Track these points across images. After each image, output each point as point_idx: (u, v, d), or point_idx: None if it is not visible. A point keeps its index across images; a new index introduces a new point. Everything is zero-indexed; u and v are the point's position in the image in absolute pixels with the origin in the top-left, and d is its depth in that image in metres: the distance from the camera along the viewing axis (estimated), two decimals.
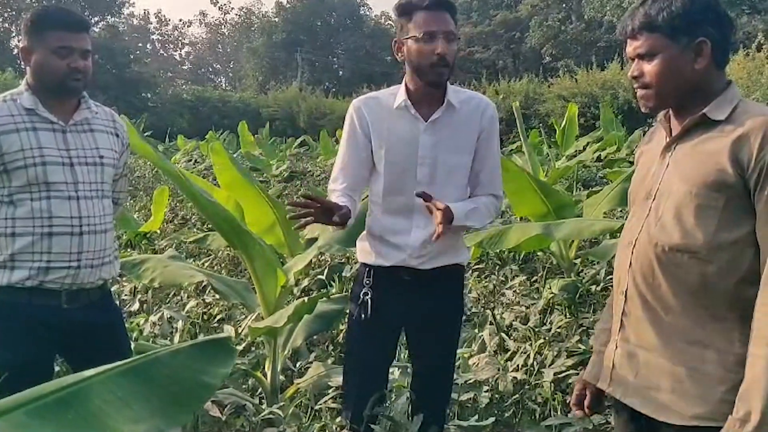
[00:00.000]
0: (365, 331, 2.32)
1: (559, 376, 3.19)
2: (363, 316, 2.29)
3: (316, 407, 2.93)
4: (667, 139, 1.64)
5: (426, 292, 2.30)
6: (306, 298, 2.76)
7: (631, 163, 8.37)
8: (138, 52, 48.32)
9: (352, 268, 4.89)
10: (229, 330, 3.75)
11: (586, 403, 1.83)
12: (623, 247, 1.68)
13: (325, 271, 5.07)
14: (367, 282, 2.31)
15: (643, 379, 1.61)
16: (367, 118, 2.26)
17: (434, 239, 2.10)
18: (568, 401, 3.05)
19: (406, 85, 2.26)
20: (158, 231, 7.18)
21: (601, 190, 5.97)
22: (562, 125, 12.20)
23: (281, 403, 2.94)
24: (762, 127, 1.45)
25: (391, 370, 2.54)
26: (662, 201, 1.58)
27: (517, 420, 3.06)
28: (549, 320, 4.01)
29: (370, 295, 2.29)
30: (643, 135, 2.07)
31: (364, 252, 2.36)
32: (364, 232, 2.39)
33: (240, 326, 3.85)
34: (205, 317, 4.32)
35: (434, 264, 2.28)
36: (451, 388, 2.51)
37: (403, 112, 2.25)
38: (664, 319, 1.57)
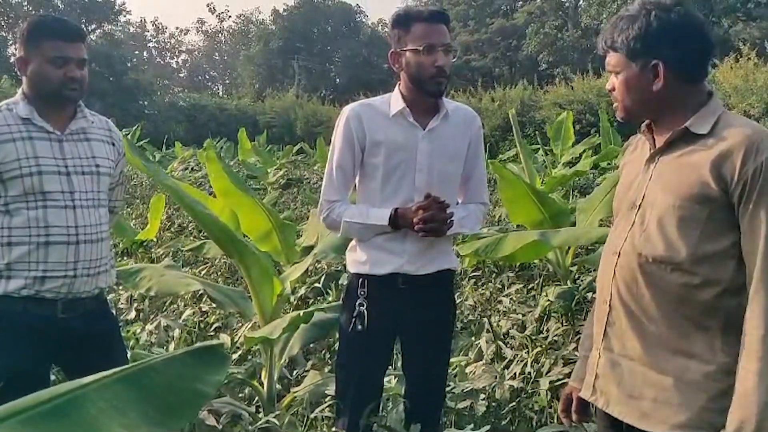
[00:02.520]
0: (361, 342, 2.30)
1: (556, 384, 3.18)
2: (360, 327, 2.27)
3: (313, 416, 2.93)
4: (651, 151, 1.65)
5: (421, 299, 2.30)
6: (301, 312, 2.76)
7: None
8: (135, 59, 48.31)
9: (349, 275, 4.88)
10: (225, 339, 3.75)
11: (573, 408, 1.84)
12: (607, 256, 1.69)
13: (322, 278, 5.06)
14: (362, 292, 2.28)
15: (626, 388, 1.62)
16: (365, 124, 2.26)
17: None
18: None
19: (401, 93, 2.27)
20: (155, 239, 7.18)
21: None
22: (555, 132, 12.21)
23: (278, 412, 2.93)
24: (745, 142, 1.47)
25: (387, 378, 2.54)
26: (647, 212, 1.60)
27: (513, 428, 3.06)
28: (546, 328, 4.01)
29: (365, 306, 2.27)
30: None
31: (356, 262, 2.35)
32: (353, 242, 2.38)
33: (236, 335, 3.85)
34: (202, 326, 4.32)
35: (429, 269, 2.30)
36: (445, 395, 2.50)
37: (400, 119, 2.26)
38: (648, 329, 1.59)
